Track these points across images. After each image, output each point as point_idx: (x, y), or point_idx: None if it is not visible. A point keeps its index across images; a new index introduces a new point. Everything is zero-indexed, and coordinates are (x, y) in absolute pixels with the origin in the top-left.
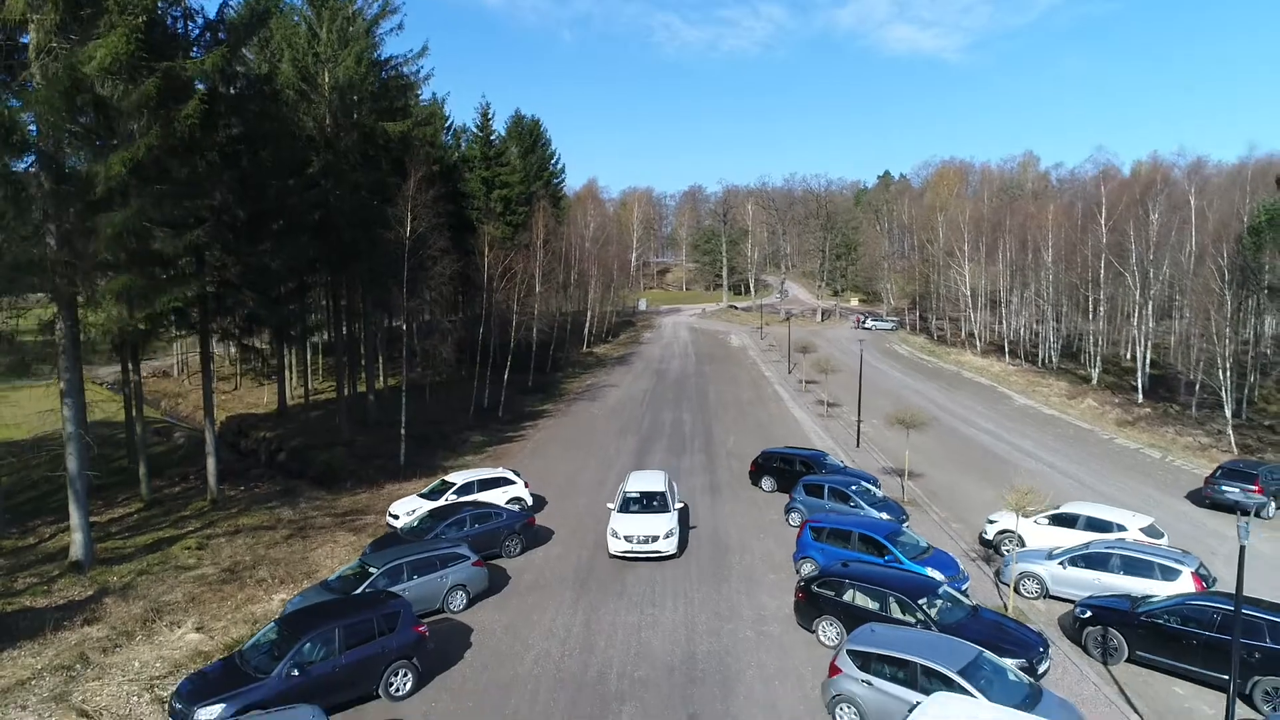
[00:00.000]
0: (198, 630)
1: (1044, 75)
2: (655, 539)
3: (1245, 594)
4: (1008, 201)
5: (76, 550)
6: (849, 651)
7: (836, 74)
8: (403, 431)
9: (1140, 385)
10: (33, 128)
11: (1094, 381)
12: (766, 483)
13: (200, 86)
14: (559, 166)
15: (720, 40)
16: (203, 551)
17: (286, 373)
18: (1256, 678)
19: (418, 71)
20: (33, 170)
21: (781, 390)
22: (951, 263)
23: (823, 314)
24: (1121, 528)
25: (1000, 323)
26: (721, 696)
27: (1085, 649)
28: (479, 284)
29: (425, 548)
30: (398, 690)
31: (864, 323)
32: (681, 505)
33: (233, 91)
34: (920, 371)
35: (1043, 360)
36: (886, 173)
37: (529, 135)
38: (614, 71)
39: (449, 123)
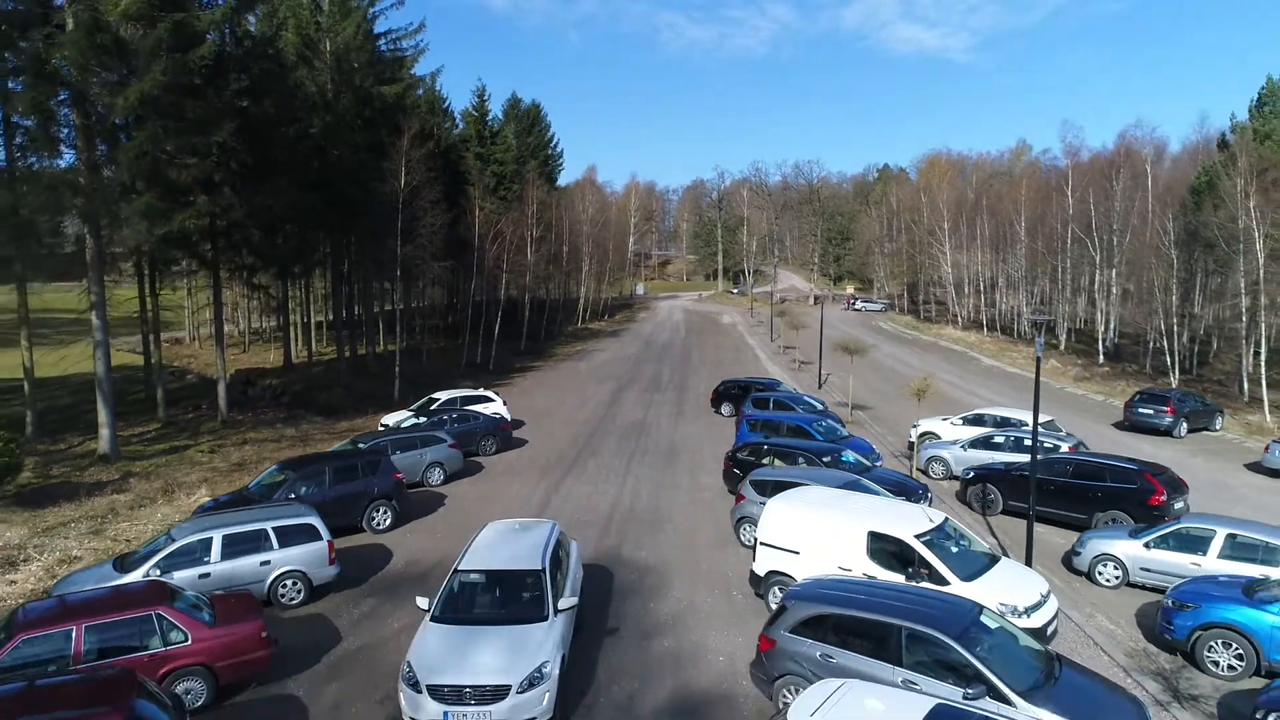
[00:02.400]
0: (210, 497)
1: (1051, 73)
2: (498, 692)
3: (1104, 453)
4: (989, 183)
5: (104, 445)
6: (750, 482)
7: (842, 73)
8: (397, 369)
9: (1102, 348)
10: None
11: (1061, 347)
12: (725, 408)
13: (210, 39)
14: (557, 149)
15: (726, 40)
16: (214, 454)
17: (292, 332)
18: (1097, 513)
19: (415, 45)
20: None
21: (761, 353)
22: (933, 241)
23: (815, 299)
24: (1023, 423)
25: (980, 299)
26: (650, 530)
27: (969, 505)
28: (471, 243)
29: (407, 432)
30: (379, 525)
31: (853, 304)
32: (574, 602)
33: (240, 51)
34: (900, 341)
35: (1018, 332)
36: (886, 165)
37: (527, 118)
38: (619, 70)
39: (447, 104)
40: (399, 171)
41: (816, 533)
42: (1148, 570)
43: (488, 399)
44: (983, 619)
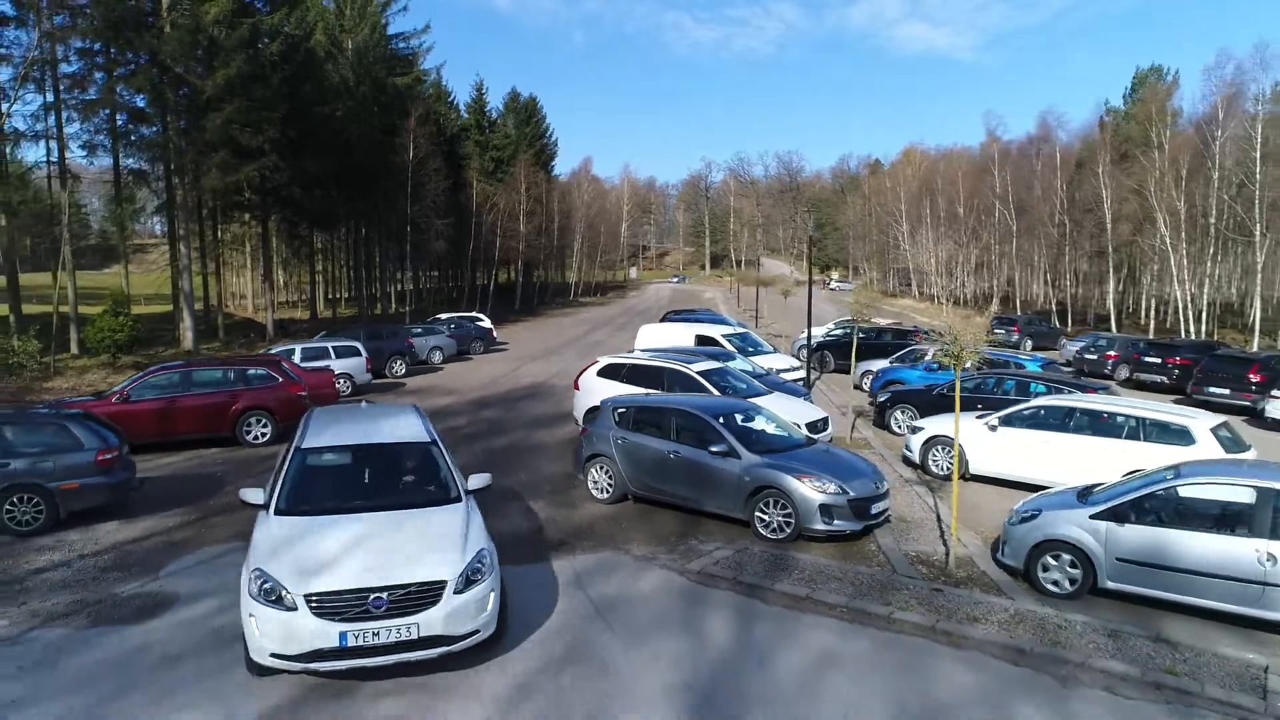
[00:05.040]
0: None
1: (1056, 71)
2: (427, 592)
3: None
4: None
5: (187, 343)
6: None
7: (847, 72)
8: (407, 310)
9: (1019, 307)
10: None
11: (993, 309)
12: None
13: (281, 34)
14: (552, 139)
15: (731, 40)
16: None
17: (317, 291)
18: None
19: (422, 44)
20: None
21: (726, 314)
22: (892, 223)
23: (795, 283)
24: (878, 325)
25: (941, 278)
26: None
27: (814, 366)
28: (470, 211)
29: (417, 325)
30: (397, 371)
31: (828, 284)
32: (487, 482)
33: (283, 47)
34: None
35: (963, 300)
36: (877, 160)
37: (525, 110)
38: (622, 69)
39: (452, 97)
40: (407, 146)
41: (666, 338)
42: None
43: (479, 318)
44: (738, 364)
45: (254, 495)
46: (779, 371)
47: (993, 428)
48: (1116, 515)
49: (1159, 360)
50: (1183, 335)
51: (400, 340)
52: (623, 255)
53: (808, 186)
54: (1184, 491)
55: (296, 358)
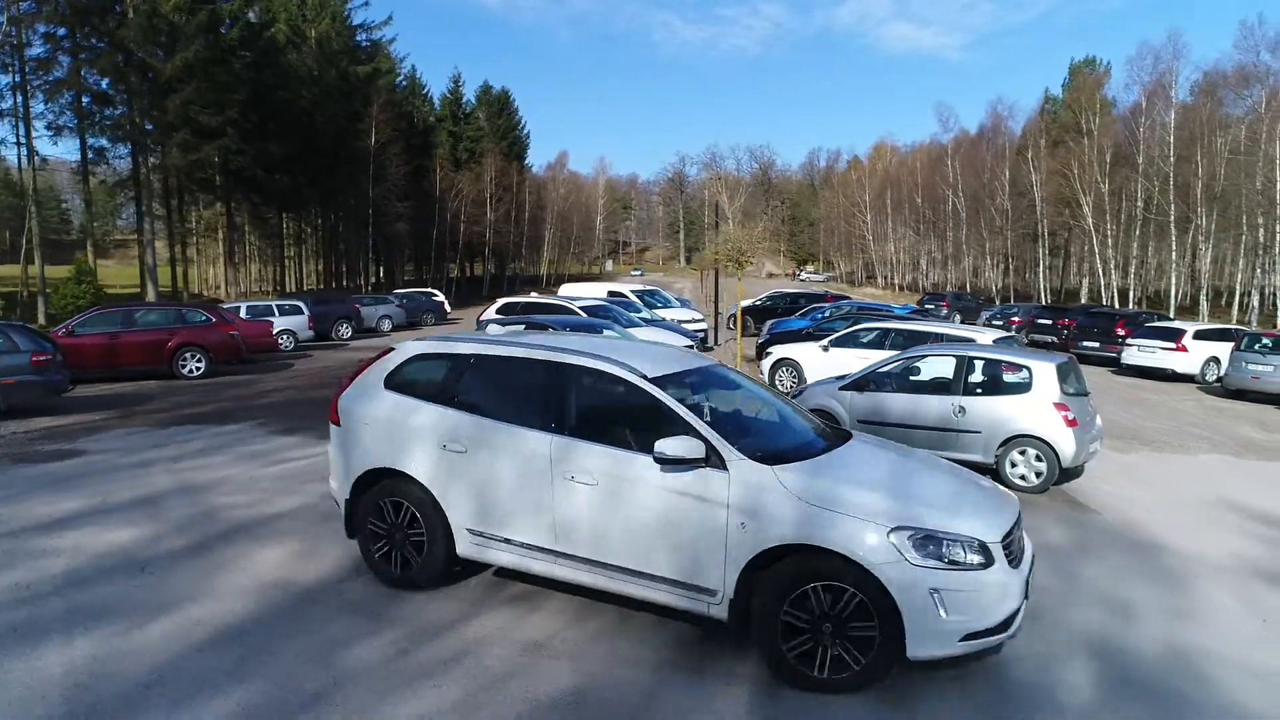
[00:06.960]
0: None
1: (1042, 70)
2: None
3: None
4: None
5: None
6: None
7: (833, 71)
8: (371, 289)
9: (969, 291)
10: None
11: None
12: None
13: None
14: (524, 131)
15: (719, 39)
16: None
17: (286, 276)
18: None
19: (383, 36)
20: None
21: (689, 297)
22: (856, 212)
23: (768, 275)
24: (793, 292)
25: (904, 268)
26: None
27: (734, 328)
28: (434, 197)
29: (366, 296)
30: (343, 335)
31: (798, 275)
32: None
33: (245, 34)
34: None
35: (922, 288)
36: (855, 158)
37: (497, 103)
38: (607, 68)
39: (426, 90)
40: (370, 132)
41: (583, 293)
42: None
43: (433, 293)
44: (643, 315)
45: (679, 446)
46: (681, 322)
47: (825, 349)
48: (858, 386)
49: (1050, 322)
50: None
51: (347, 306)
52: (600, 249)
53: (784, 182)
54: (908, 365)
55: (243, 313)
